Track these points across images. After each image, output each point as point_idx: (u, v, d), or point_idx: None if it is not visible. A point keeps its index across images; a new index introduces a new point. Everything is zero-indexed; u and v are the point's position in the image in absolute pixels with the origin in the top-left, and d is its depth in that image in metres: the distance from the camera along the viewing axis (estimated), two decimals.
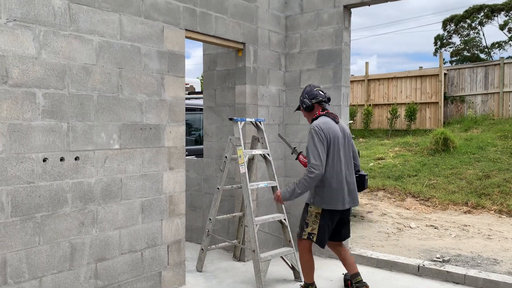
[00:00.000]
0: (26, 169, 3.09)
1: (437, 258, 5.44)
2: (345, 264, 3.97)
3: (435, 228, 7.24)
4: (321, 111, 3.83)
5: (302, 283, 4.02)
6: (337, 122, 3.75)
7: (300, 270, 4.26)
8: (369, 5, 5.05)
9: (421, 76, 14.16)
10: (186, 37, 4.30)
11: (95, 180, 3.51)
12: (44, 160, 3.19)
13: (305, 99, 3.85)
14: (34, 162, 3.13)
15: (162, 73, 4.02)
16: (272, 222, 4.83)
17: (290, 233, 4.52)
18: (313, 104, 3.82)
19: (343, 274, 4.47)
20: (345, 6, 5.06)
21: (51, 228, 3.24)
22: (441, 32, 34.02)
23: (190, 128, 8.44)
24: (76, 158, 3.38)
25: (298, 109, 4.03)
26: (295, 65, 5.43)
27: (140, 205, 3.86)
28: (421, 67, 15.21)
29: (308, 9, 5.31)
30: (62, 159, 3.29)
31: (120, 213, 3.70)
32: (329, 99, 3.88)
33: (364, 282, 3.87)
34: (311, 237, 3.71)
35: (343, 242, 4.06)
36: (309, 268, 3.87)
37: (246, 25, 4.94)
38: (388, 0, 4.93)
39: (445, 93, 14.10)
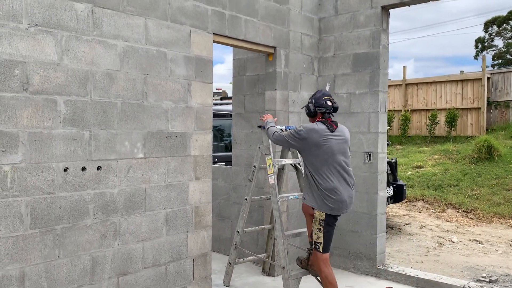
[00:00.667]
0: (46, 179, 2.98)
1: (483, 277, 5.02)
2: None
3: (479, 243, 6.76)
4: (321, 118, 3.75)
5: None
6: (332, 131, 3.65)
7: None
8: (409, 5, 4.73)
9: (462, 81, 13.50)
10: (214, 42, 4.13)
11: (117, 190, 3.37)
12: (65, 170, 3.07)
13: (310, 104, 3.80)
14: (55, 172, 3.02)
15: (189, 79, 3.86)
16: (304, 236, 4.56)
17: None
18: (315, 112, 3.76)
19: None
20: (383, 7, 4.76)
21: (72, 240, 3.12)
22: (482, 34, 32.75)
23: (222, 134, 8.30)
24: (98, 168, 3.25)
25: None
26: (328, 69, 5.17)
27: (165, 217, 3.70)
28: (462, 71, 14.52)
29: (343, 10, 5.03)
30: (83, 169, 3.17)
31: (143, 225, 3.55)
32: (335, 109, 3.79)
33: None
34: (317, 247, 3.66)
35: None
36: (330, 283, 3.65)
37: (277, 28, 4.72)
38: (429, 0, 4.60)
39: (488, 98, 13.37)
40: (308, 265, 4.00)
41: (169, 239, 3.74)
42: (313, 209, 3.71)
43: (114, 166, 3.35)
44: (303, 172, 3.97)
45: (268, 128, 4.02)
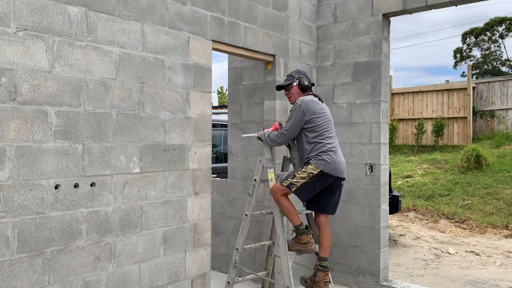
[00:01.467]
0: (36, 197, 2.71)
1: None
2: (320, 245, 3.86)
3: (476, 254, 6.67)
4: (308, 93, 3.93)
5: (292, 229, 3.81)
6: (322, 101, 3.88)
7: None
8: (410, 13, 4.62)
9: (448, 90, 13.59)
10: (213, 49, 3.93)
11: (112, 208, 3.12)
12: (56, 187, 2.80)
13: (302, 79, 3.91)
14: (45, 190, 2.75)
15: (187, 88, 3.64)
16: (310, 254, 4.35)
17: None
18: (308, 86, 3.91)
19: None
20: (384, 15, 4.64)
21: (63, 264, 2.84)
22: (460, 45, 33.38)
23: (212, 144, 8.06)
24: (92, 184, 3.00)
25: (283, 88, 4.03)
26: (328, 78, 5.01)
27: (162, 236, 3.45)
28: (447, 81, 14.64)
29: (343, 18, 4.90)
30: (76, 186, 2.91)
31: (140, 245, 3.29)
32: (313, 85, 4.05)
33: (326, 268, 3.81)
34: (291, 186, 3.67)
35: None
36: (290, 211, 3.70)
37: (276, 35, 4.55)
38: (431, 8, 4.50)
39: (473, 107, 13.49)
40: (315, 282, 3.80)
41: (167, 259, 3.49)
42: (307, 162, 3.68)
43: (108, 182, 3.09)
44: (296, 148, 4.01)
45: (268, 135, 3.89)
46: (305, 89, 3.91)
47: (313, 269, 3.89)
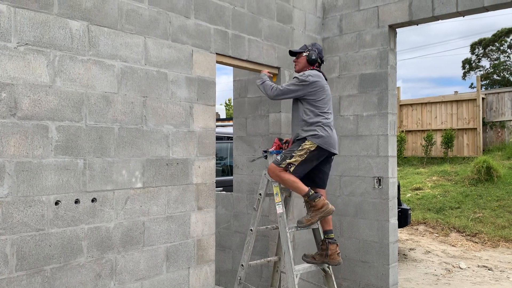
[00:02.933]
0: (35, 214, 2.66)
1: None
2: (323, 220, 3.89)
3: (488, 269, 6.50)
4: (315, 67, 4.02)
5: (303, 199, 3.80)
6: (326, 79, 3.98)
7: None
8: (417, 24, 4.57)
9: (456, 101, 13.45)
10: (217, 62, 3.89)
11: (114, 224, 3.06)
12: (56, 203, 2.76)
13: (313, 52, 3.99)
14: (45, 206, 2.70)
15: (191, 102, 3.60)
16: (317, 270, 4.26)
17: (335, 283, 3.94)
18: (315, 60, 3.98)
19: None
20: (390, 26, 4.59)
21: (63, 282, 2.78)
22: (468, 56, 33.19)
23: (217, 157, 8.00)
24: (93, 200, 2.95)
25: (294, 54, 4.09)
26: (333, 90, 4.95)
27: (165, 252, 3.38)
28: (456, 92, 14.49)
29: (348, 30, 4.86)
30: (77, 201, 2.86)
31: (142, 261, 3.23)
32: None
33: (335, 240, 3.87)
34: (289, 167, 3.71)
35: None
36: (294, 181, 3.71)
37: (281, 48, 4.51)
38: (438, 19, 4.44)
39: (483, 118, 13.32)
40: (327, 256, 3.80)
41: (170, 276, 3.41)
42: (303, 139, 3.73)
43: (110, 197, 3.04)
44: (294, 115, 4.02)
45: (264, 82, 3.99)
46: (311, 63, 3.99)
47: (320, 245, 3.89)
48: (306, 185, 3.78)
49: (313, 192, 3.72)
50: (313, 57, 3.96)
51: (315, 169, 3.86)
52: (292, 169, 3.71)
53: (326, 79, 3.98)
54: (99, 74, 2.99)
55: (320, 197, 3.70)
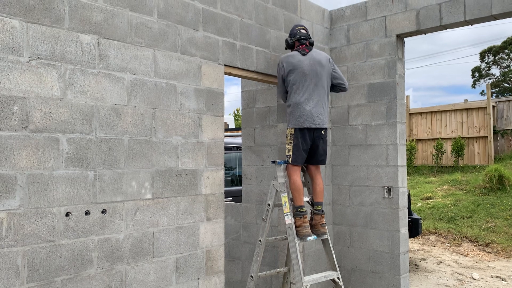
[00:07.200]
0: (46, 225, 2.69)
1: None
2: (313, 191, 4.03)
3: (502, 280, 6.38)
4: (297, 47, 4.04)
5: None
6: (303, 54, 3.95)
7: None
8: (425, 34, 4.57)
9: (467, 109, 13.34)
10: (226, 73, 3.92)
11: (124, 235, 3.08)
12: (67, 215, 2.78)
13: (286, 38, 4.16)
14: (56, 217, 2.73)
15: (200, 113, 3.63)
16: (327, 281, 4.23)
17: None
18: (293, 42, 4.07)
19: None
20: (398, 36, 4.60)
21: None
22: (478, 64, 33.01)
23: (226, 167, 8.01)
24: (103, 211, 2.97)
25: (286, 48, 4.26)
26: (342, 100, 4.96)
27: (174, 263, 3.38)
28: (466, 100, 14.40)
29: (356, 40, 4.87)
30: (87, 213, 2.88)
31: (151, 273, 3.23)
32: (309, 36, 4.09)
33: (322, 212, 3.93)
34: (288, 159, 3.86)
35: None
36: (296, 191, 3.81)
37: None
38: (446, 28, 4.44)
39: (494, 126, 13.19)
40: (312, 226, 3.88)
41: (179, 287, 3.41)
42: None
43: (120, 208, 3.06)
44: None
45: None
46: (290, 47, 4.13)
47: (309, 214, 3.98)
48: (309, 163, 3.98)
49: (301, 210, 3.78)
50: (288, 42, 4.10)
51: (315, 148, 3.92)
52: (290, 159, 3.84)
53: (307, 51, 3.95)
54: (109, 86, 3.03)
55: (301, 217, 3.77)
